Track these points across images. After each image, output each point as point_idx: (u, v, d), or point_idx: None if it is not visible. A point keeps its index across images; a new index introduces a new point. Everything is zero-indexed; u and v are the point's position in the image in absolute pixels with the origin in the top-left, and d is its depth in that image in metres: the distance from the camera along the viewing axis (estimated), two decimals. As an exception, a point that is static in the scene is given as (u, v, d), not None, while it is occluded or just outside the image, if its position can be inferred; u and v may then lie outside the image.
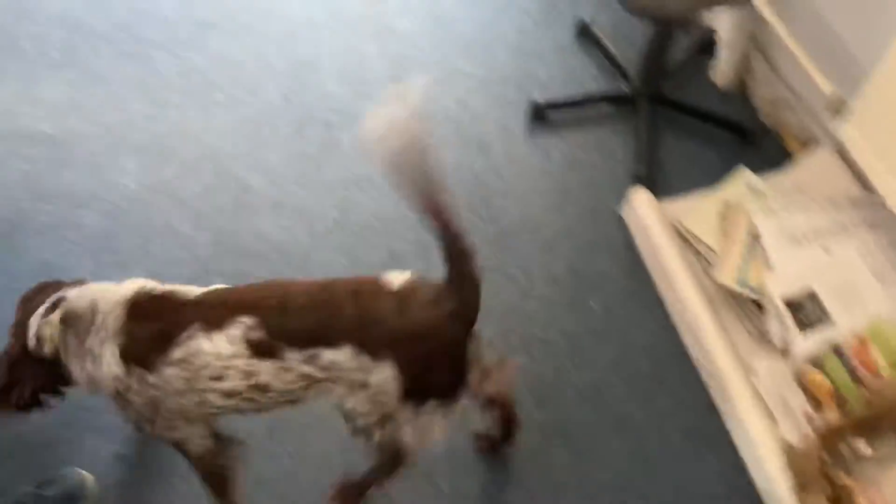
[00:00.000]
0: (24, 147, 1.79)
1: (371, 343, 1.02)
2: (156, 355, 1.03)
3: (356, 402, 1.08)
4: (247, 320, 1.01)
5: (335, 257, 1.65)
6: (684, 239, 1.63)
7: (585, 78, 1.99)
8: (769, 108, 1.90)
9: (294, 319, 1.03)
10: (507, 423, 1.33)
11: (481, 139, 1.86)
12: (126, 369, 1.04)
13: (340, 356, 1.02)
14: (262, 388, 1.04)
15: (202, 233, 1.68)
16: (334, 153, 1.82)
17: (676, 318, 1.57)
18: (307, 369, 1.03)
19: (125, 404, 1.08)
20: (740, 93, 1.97)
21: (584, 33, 2.06)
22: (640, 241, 1.69)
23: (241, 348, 1.01)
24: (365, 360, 1.02)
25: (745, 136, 1.87)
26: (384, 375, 1.03)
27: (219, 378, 1.03)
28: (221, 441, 1.19)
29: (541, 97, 1.89)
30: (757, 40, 1.92)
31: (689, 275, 1.56)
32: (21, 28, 2.00)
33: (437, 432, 1.13)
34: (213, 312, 1.04)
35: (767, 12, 1.84)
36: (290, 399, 1.09)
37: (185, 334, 1.02)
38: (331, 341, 1.01)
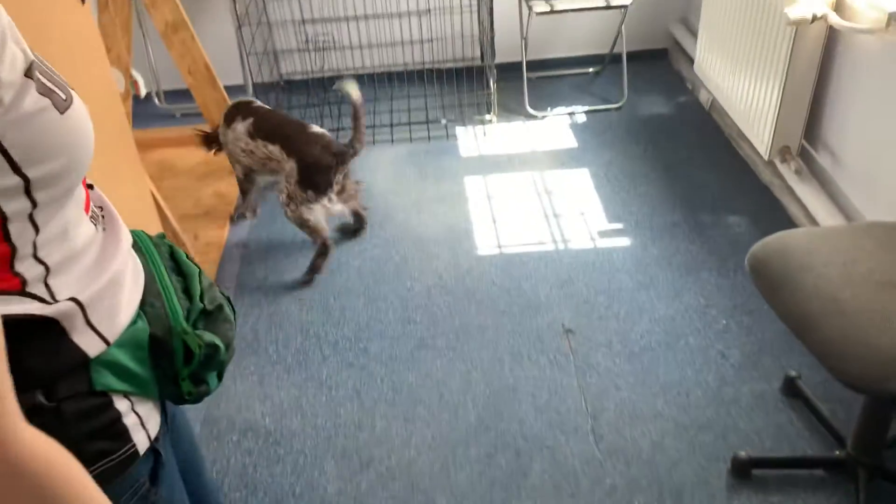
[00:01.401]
0: (246, 440, 1.99)
1: (288, 148, 2.47)
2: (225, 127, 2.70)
3: (281, 179, 2.50)
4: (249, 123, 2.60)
5: None
6: None
7: (793, 437, 1.89)
8: None
9: (266, 126, 2.55)
10: (359, 219, 2.76)
11: (676, 488, 1.79)
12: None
13: (275, 150, 2.49)
14: (250, 153, 2.59)
15: (383, 547, 1.69)
16: (522, 483, 1.82)
17: None
18: (264, 150, 2.53)
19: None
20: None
21: (791, 388, 2.00)
22: None
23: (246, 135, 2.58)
24: (284, 155, 2.47)
25: None
26: (290, 166, 2.45)
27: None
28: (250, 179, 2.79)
29: (744, 452, 1.80)
30: None
31: None
32: (270, 334, 2.33)
33: (320, 212, 2.49)
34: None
35: None
36: (265, 165, 2.60)
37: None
38: (273, 141, 2.51)
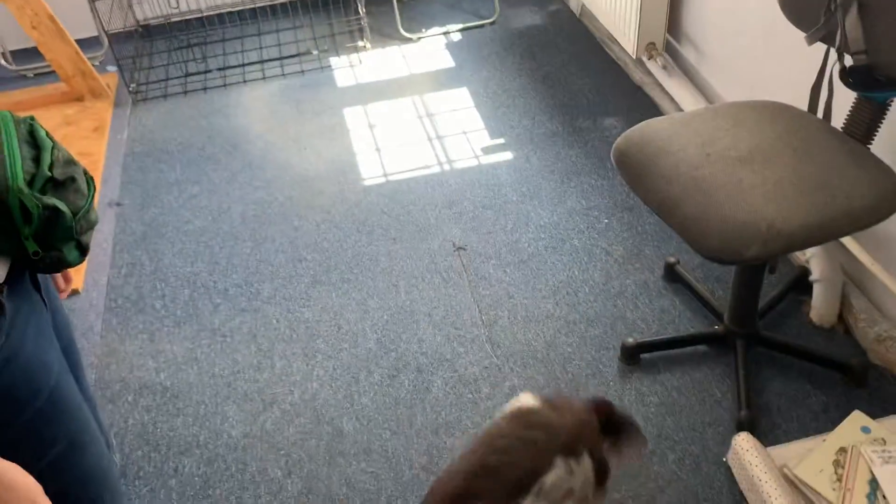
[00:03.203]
0: (142, 398, 1.94)
1: None
2: None
3: None
4: None
5: (422, 507, 1.61)
6: (795, 487, 1.50)
7: (676, 318, 1.99)
8: (876, 346, 1.81)
9: None
10: None
11: (572, 382, 1.86)
12: None
13: None
14: None
15: (294, 480, 1.70)
16: (425, 398, 1.86)
17: (797, 582, 1.40)
18: None
19: None
20: (843, 330, 1.90)
21: (671, 274, 2.09)
22: (746, 490, 1.56)
23: None
24: None
25: (854, 376, 1.76)
26: None
27: None
28: None
29: (632, 339, 1.89)
30: (853, 276, 1.89)
31: (807, 531, 1.41)
32: (156, 291, 2.25)
33: None
34: None
35: (859, 251, 1.83)
36: None
37: None
38: None
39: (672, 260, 2.09)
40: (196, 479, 1.73)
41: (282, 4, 3.64)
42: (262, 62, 3.33)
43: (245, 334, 2.09)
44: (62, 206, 0.92)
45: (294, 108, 3.03)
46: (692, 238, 1.41)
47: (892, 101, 1.53)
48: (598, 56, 3.13)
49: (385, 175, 2.62)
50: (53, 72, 3.09)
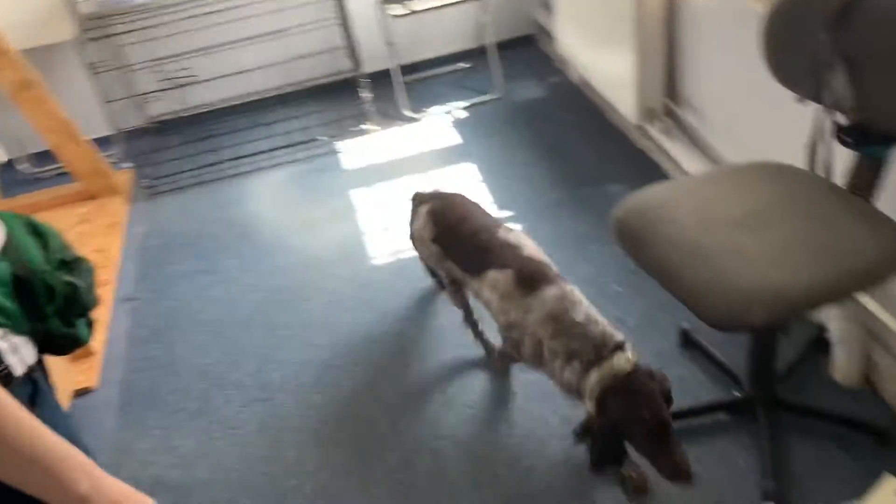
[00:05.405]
0: (155, 496, 1.90)
1: None
2: None
3: None
4: None
5: None
6: (832, 564, 1.42)
7: (695, 387, 1.94)
8: (904, 404, 1.74)
9: None
10: None
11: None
12: None
13: None
14: None
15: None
16: (441, 483, 1.81)
17: None
18: None
19: None
20: (867, 389, 1.83)
21: (687, 341, 2.05)
22: (779, 569, 1.49)
23: None
24: None
25: (884, 437, 1.69)
26: None
27: None
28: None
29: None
30: (873, 332, 1.83)
31: None
32: (168, 384, 2.25)
33: None
34: None
35: (875, 308, 1.78)
36: None
37: None
38: None
39: (686, 326, 2.05)
40: (208, 580, 1.68)
41: (289, 94, 3.75)
42: (271, 151, 3.40)
43: (256, 425, 2.06)
44: (78, 282, 0.99)
45: (303, 193, 3.08)
46: (696, 307, 1.38)
47: (889, 155, 1.51)
48: (599, 123, 3.16)
49: (395, 254, 2.63)
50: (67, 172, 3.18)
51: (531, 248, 1.81)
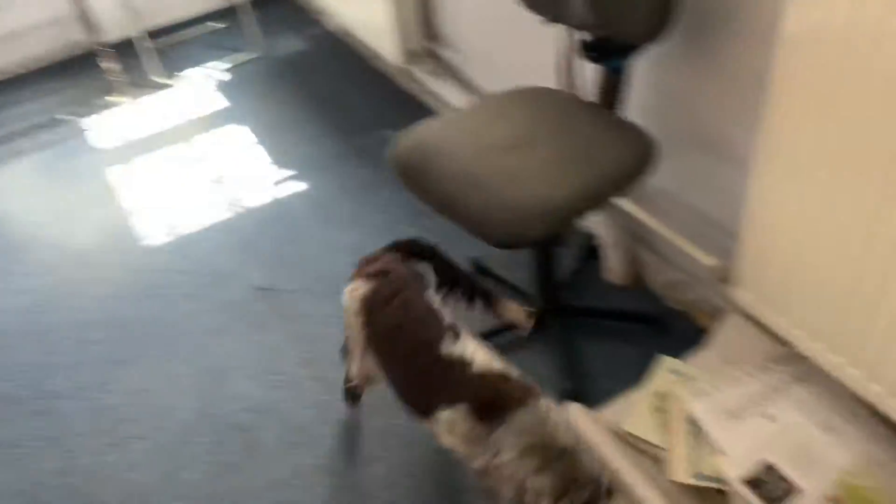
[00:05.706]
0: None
1: None
2: None
3: None
4: None
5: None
6: (629, 444, 1.56)
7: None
8: (669, 291, 1.94)
9: None
10: None
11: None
12: None
13: None
14: None
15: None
16: (257, 456, 1.75)
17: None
18: None
19: None
20: (638, 285, 2.02)
21: (478, 269, 2.12)
22: (587, 460, 1.61)
23: None
24: None
25: (657, 324, 1.88)
26: None
27: None
28: None
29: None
30: (636, 234, 2.01)
31: (646, 481, 1.47)
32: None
33: None
34: None
35: (634, 210, 1.95)
36: None
37: None
38: None
39: (476, 255, 2.12)
40: None
41: (19, 76, 3.33)
42: (8, 139, 3.01)
43: (43, 440, 1.86)
44: None
45: (53, 181, 2.77)
46: (479, 232, 1.43)
47: (628, 66, 1.64)
48: (365, 71, 3.14)
49: (172, 232, 2.45)
50: None
51: (481, 356, 1.34)
